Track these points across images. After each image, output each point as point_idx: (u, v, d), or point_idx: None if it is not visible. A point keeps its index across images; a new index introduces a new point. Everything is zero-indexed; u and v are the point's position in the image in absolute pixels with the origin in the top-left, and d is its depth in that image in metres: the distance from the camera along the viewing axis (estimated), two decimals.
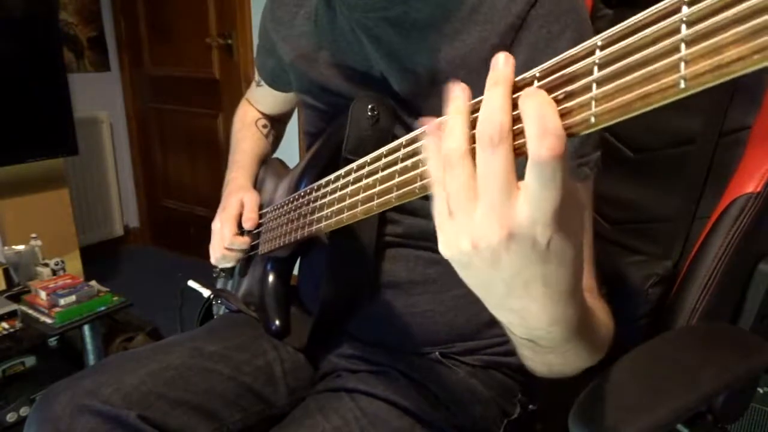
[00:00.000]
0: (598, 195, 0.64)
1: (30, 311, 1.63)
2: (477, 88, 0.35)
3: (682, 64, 0.25)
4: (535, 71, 0.32)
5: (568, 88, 0.30)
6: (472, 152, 0.34)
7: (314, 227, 0.65)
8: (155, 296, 2.06)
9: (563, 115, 0.30)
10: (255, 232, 0.88)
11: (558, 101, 0.30)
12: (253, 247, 0.88)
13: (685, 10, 0.24)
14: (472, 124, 0.35)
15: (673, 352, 0.68)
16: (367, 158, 0.49)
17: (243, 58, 2.41)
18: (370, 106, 0.67)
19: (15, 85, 1.89)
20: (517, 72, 0.33)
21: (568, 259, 0.34)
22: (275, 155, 1.04)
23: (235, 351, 0.78)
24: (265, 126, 1.02)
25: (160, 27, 2.76)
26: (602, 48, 0.28)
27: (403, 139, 0.43)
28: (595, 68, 0.29)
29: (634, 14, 0.27)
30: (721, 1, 0.23)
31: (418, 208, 0.69)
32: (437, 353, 0.73)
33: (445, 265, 0.37)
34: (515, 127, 0.32)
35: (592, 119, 0.29)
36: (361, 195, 0.49)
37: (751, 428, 1.29)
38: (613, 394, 0.59)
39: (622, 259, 0.85)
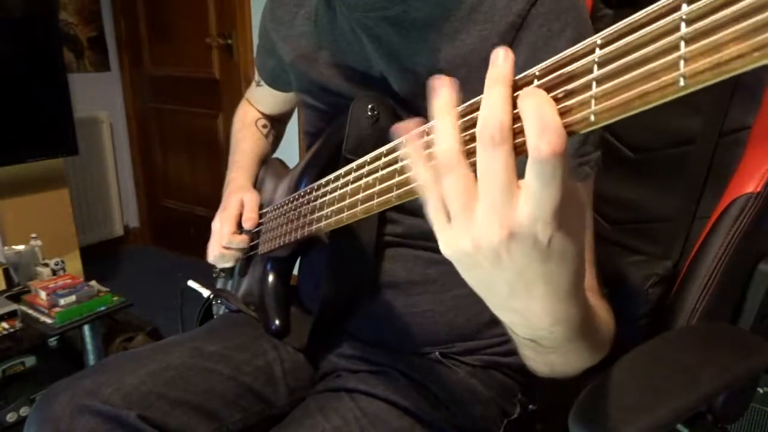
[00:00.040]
0: (598, 195, 0.64)
1: (30, 311, 1.63)
2: (477, 88, 0.35)
3: (682, 62, 0.25)
4: (535, 70, 0.32)
5: (568, 87, 0.30)
6: (465, 153, 0.34)
7: (314, 227, 0.65)
8: (155, 296, 2.06)
9: (563, 113, 0.30)
10: (254, 231, 0.88)
11: (558, 100, 0.30)
12: (252, 247, 0.88)
13: (684, 8, 0.24)
14: (466, 123, 0.35)
15: (673, 352, 0.68)
16: (367, 157, 0.49)
17: (243, 58, 2.41)
18: (370, 106, 0.67)
19: (15, 85, 1.89)
20: (518, 71, 0.33)
21: (569, 258, 0.34)
22: (275, 155, 1.04)
23: (235, 351, 0.78)
24: (265, 126, 1.02)
25: (160, 27, 2.76)
26: (602, 46, 0.28)
27: (403, 138, 0.43)
28: (595, 66, 0.29)
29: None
30: None
31: (418, 207, 0.68)
32: (437, 353, 0.73)
33: (445, 264, 0.37)
34: (515, 126, 0.32)
35: (592, 117, 0.29)
36: (361, 194, 0.49)
37: (751, 428, 1.29)
38: (613, 394, 0.59)
39: (622, 259, 0.85)
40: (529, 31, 0.59)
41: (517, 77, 0.33)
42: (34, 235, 1.87)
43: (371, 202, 0.47)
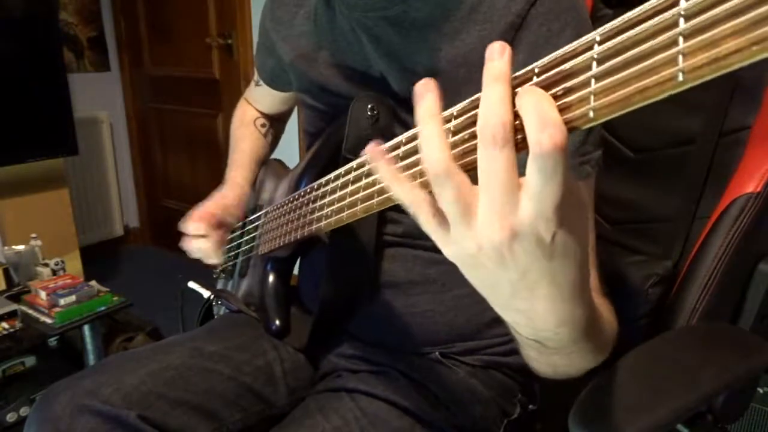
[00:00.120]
0: (598, 195, 0.64)
1: (30, 311, 1.63)
2: (477, 88, 0.35)
3: (680, 58, 0.25)
4: (534, 67, 0.32)
5: (567, 84, 0.30)
6: (461, 153, 0.34)
7: (314, 226, 0.65)
8: (155, 296, 2.07)
9: (563, 110, 0.30)
10: (254, 233, 0.88)
11: (557, 97, 0.30)
12: (252, 248, 0.88)
13: (683, 3, 0.25)
14: (463, 123, 0.35)
15: (673, 352, 0.68)
16: (367, 156, 0.49)
17: (243, 58, 2.41)
18: (369, 106, 0.67)
19: (15, 85, 1.89)
20: (518, 71, 0.33)
21: (573, 255, 0.33)
22: (275, 155, 1.05)
23: (235, 351, 0.78)
24: (263, 125, 1.02)
25: (160, 27, 2.76)
26: (600, 43, 0.28)
27: (402, 137, 0.43)
28: (594, 63, 0.29)
29: None
30: None
31: None
32: (437, 353, 0.73)
33: (445, 264, 0.37)
34: (515, 123, 0.32)
35: (591, 114, 0.29)
36: (361, 194, 0.49)
37: (751, 428, 1.29)
38: (613, 394, 0.59)
39: (622, 259, 0.85)
40: (528, 31, 0.59)
41: (516, 75, 0.33)
42: (34, 235, 1.87)
43: (371, 201, 0.47)
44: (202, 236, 0.84)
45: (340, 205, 0.55)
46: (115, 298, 1.71)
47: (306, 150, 0.82)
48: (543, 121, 0.29)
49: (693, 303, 0.75)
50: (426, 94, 0.34)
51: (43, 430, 0.66)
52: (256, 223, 0.88)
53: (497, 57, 0.32)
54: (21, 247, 1.83)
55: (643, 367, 0.64)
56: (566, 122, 0.30)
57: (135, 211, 3.17)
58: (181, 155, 2.90)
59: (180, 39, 2.68)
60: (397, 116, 0.68)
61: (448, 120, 0.36)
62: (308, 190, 0.67)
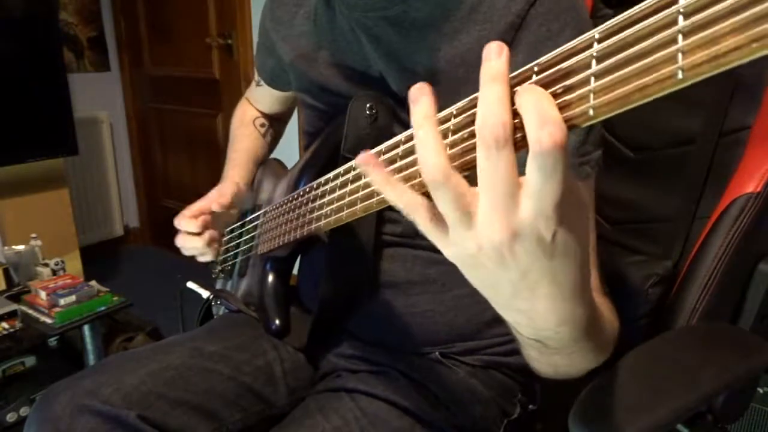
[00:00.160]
0: (598, 195, 0.64)
1: (30, 311, 1.63)
2: (477, 88, 0.35)
3: (680, 55, 0.25)
4: (533, 66, 0.32)
5: (567, 82, 0.30)
6: (460, 152, 0.34)
7: (313, 226, 0.65)
8: (155, 296, 2.07)
9: (562, 108, 0.30)
10: (253, 233, 0.88)
11: (557, 95, 0.30)
12: (251, 248, 0.88)
13: (681, 1, 0.25)
14: (461, 122, 0.35)
15: (673, 352, 0.68)
16: (358, 165, 0.48)
17: (243, 58, 2.41)
18: (368, 105, 0.67)
19: (15, 85, 1.89)
20: (517, 71, 0.33)
21: (573, 255, 0.33)
22: (274, 155, 1.05)
23: (235, 351, 0.78)
24: (263, 125, 1.02)
25: (160, 27, 2.76)
26: (600, 41, 0.28)
27: (401, 136, 0.43)
28: (593, 61, 0.28)
29: None
30: None
31: None
32: (437, 353, 0.73)
33: (445, 264, 0.36)
34: (514, 121, 0.31)
35: (591, 111, 0.29)
36: (361, 193, 0.49)
37: (751, 428, 1.28)
38: (613, 394, 0.59)
39: (622, 259, 0.85)
40: (528, 31, 0.59)
41: (515, 74, 0.33)
42: (34, 235, 1.87)
43: (371, 200, 0.47)
44: (196, 234, 0.84)
45: (339, 204, 0.55)
46: (115, 298, 1.71)
47: (304, 149, 0.82)
48: (543, 119, 0.29)
49: (693, 303, 0.75)
50: (421, 97, 0.34)
51: (43, 430, 0.66)
52: (255, 223, 0.88)
53: (494, 57, 0.31)
54: (21, 247, 1.83)
55: (643, 367, 0.64)
56: (566, 120, 0.30)
57: (135, 211, 3.17)
58: (181, 155, 2.90)
59: (180, 39, 2.68)
60: (396, 115, 0.68)
61: (447, 119, 0.36)
62: (307, 190, 0.67)
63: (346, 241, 0.71)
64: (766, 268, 0.77)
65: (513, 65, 0.31)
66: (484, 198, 0.32)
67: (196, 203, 0.86)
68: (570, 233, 0.32)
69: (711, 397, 0.68)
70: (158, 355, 0.75)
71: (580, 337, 0.41)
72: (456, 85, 0.61)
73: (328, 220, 0.59)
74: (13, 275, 1.81)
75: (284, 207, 0.76)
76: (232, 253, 0.96)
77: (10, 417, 1.52)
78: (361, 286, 0.74)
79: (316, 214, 0.63)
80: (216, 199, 0.85)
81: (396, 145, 0.42)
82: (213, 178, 0.95)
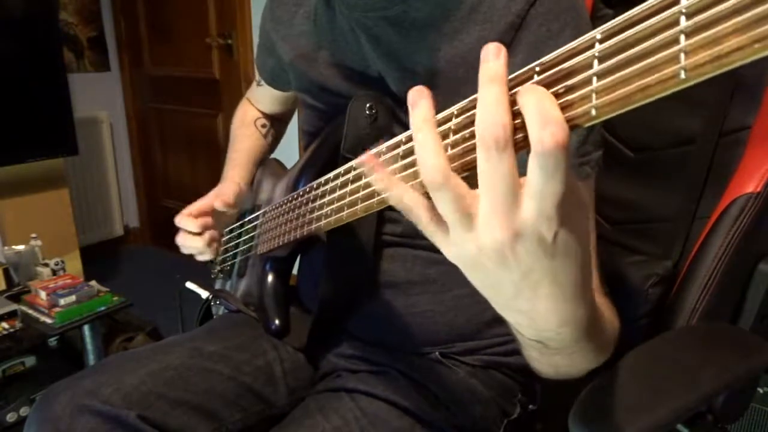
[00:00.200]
0: (598, 195, 0.64)
1: (30, 311, 1.63)
2: (477, 87, 0.35)
3: (682, 55, 0.25)
4: (535, 66, 0.32)
5: (569, 82, 0.30)
6: (460, 153, 0.34)
7: (314, 226, 0.65)
8: (155, 296, 2.07)
9: (564, 108, 0.30)
10: (253, 233, 0.88)
11: (558, 95, 0.30)
12: (250, 248, 0.88)
13: (684, 1, 0.25)
14: (460, 123, 0.35)
15: (673, 352, 0.68)
16: (360, 164, 0.49)
17: (243, 58, 2.41)
18: (368, 105, 0.67)
19: (15, 85, 1.89)
20: (517, 71, 0.33)
21: (574, 255, 0.33)
22: (274, 155, 1.05)
23: (235, 351, 0.78)
24: (264, 125, 1.02)
25: (160, 27, 2.76)
26: (602, 41, 0.28)
27: (402, 136, 0.43)
28: (595, 61, 0.29)
29: None
30: None
31: None
32: (437, 353, 0.73)
33: (445, 264, 0.36)
34: (515, 122, 0.31)
35: (593, 111, 0.29)
36: (362, 193, 0.49)
37: (751, 428, 1.28)
38: (614, 394, 0.59)
39: (622, 259, 0.85)
40: (528, 31, 0.59)
41: (516, 74, 0.33)
42: (34, 235, 1.87)
43: (371, 200, 0.47)
44: (196, 234, 0.84)
45: (340, 204, 0.55)
46: (115, 298, 1.71)
47: (304, 149, 0.82)
48: (544, 119, 0.29)
49: (693, 303, 0.75)
50: (420, 100, 0.34)
51: (43, 430, 0.66)
52: (255, 223, 0.88)
53: (492, 58, 0.31)
54: (21, 247, 1.83)
55: (643, 367, 0.64)
56: (568, 120, 0.30)
57: (135, 211, 3.17)
58: (181, 155, 2.90)
59: (180, 39, 2.68)
60: (395, 116, 0.68)
61: (448, 119, 0.36)
62: (307, 190, 0.67)
63: (345, 240, 0.71)
64: (766, 268, 0.77)
65: (513, 65, 0.31)
66: (484, 199, 0.32)
67: (196, 202, 0.86)
68: (571, 233, 0.32)
69: (711, 397, 0.68)
70: (158, 355, 0.75)
71: (582, 337, 0.41)
72: (456, 85, 0.61)
73: (328, 220, 0.59)
74: (13, 275, 1.81)
75: (284, 207, 0.76)
76: (231, 253, 0.96)
77: (10, 417, 1.52)
78: (361, 286, 0.74)
79: (316, 214, 0.63)
80: (217, 198, 0.85)
81: (396, 146, 0.42)
82: (213, 178, 0.95)
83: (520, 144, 0.31)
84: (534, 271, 0.33)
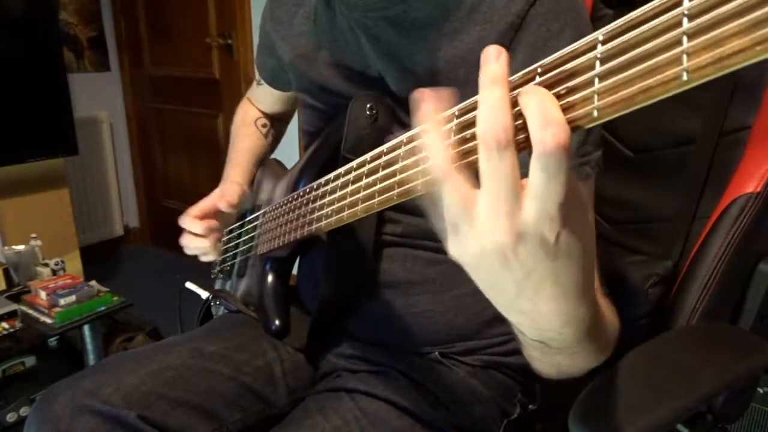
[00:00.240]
0: (598, 195, 0.64)
1: (30, 311, 1.63)
2: (477, 87, 0.35)
3: (684, 57, 0.25)
4: (537, 67, 0.32)
5: (570, 83, 0.30)
6: (462, 153, 0.34)
7: (314, 226, 0.65)
8: (155, 296, 2.06)
9: (566, 109, 0.30)
10: (253, 233, 0.88)
11: (560, 96, 0.30)
12: (250, 248, 0.88)
13: (686, 3, 0.25)
14: (463, 123, 0.35)
15: (673, 352, 0.68)
16: (367, 156, 0.49)
17: (243, 58, 2.41)
18: (368, 105, 0.67)
19: (15, 85, 1.89)
20: (518, 71, 0.33)
21: (576, 255, 0.33)
22: (275, 154, 1.05)
23: (235, 351, 0.78)
24: (264, 125, 1.02)
25: (160, 27, 2.76)
26: (604, 42, 0.28)
27: (403, 137, 0.43)
28: (597, 63, 0.29)
29: None
30: None
31: (418, 206, 0.68)
32: (437, 353, 0.73)
33: (445, 264, 0.37)
34: (516, 123, 0.32)
35: (595, 113, 0.29)
36: (362, 193, 0.49)
37: (751, 428, 1.28)
38: (614, 394, 0.59)
39: (622, 259, 0.85)
40: (528, 31, 0.59)
41: (518, 75, 0.33)
42: (34, 235, 1.87)
43: (372, 201, 0.47)
44: (201, 235, 0.84)
45: (340, 204, 0.55)
46: (115, 298, 1.71)
47: (304, 149, 0.82)
48: (546, 120, 0.29)
49: (693, 303, 0.75)
50: (424, 101, 0.34)
51: (43, 430, 0.66)
52: (255, 223, 0.88)
53: (493, 60, 0.31)
54: (21, 247, 1.83)
55: (643, 367, 0.64)
56: (569, 121, 0.30)
57: (135, 211, 3.17)
58: (181, 155, 2.90)
59: (180, 39, 2.68)
60: (395, 116, 0.68)
61: (449, 119, 0.36)
62: (307, 190, 0.67)
63: (345, 241, 0.71)
64: (766, 268, 0.77)
65: (513, 65, 0.31)
66: (486, 200, 0.32)
67: (200, 203, 0.86)
68: (572, 234, 0.32)
69: (711, 397, 0.68)
70: (158, 355, 0.75)
71: (583, 337, 0.41)
72: (456, 85, 0.61)
73: (328, 220, 0.59)
74: (13, 275, 1.81)
75: (284, 207, 0.76)
76: (231, 253, 0.96)
77: (10, 417, 1.52)
78: (361, 286, 0.74)
79: (316, 214, 0.63)
80: (222, 199, 0.85)
81: (398, 146, 0.42)
82: (213, 178, 0.95)
83: (521, 145, 0.31)
84: (536, 272, 0.33)
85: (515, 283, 0.34)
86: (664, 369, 0.64)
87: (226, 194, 0.85)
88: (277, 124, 1.05)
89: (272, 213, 0.81)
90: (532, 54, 0.58)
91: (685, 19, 0.25)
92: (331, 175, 0.59)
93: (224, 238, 0.97)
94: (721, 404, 0.71)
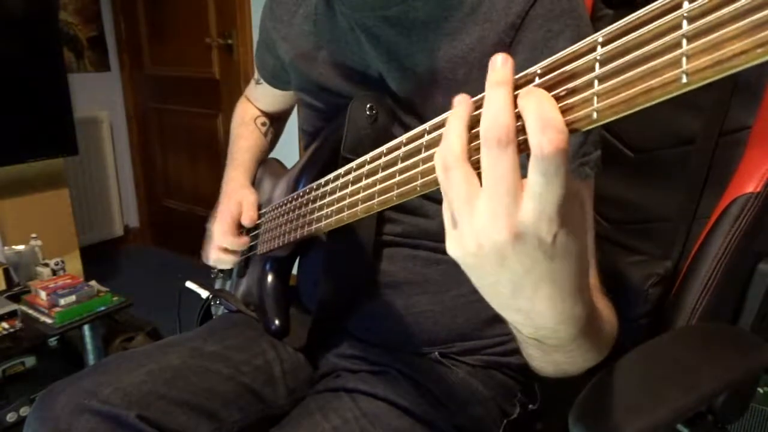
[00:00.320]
0: (598, 195, 0.64)
1: (30, 311, 1.63)
2: (477, 87, 0.35)
3: (684, 59, 0.25)
4: (536, 68, 0.32)
5: (570, 85, 0.30)
6: (469, 152, 0.34)
7: (314, 226, 0.65)
8: (155, 296, 2.06)
9: (565, 111, 0.30)
10: (254, 233, 0.88)
11: (560, 98, 0.30)
12: (251, 248, 0.88)
13: (686, 5, 0.25)
14: (470, 126, 0.35)
15: (673, 352, 0.68)
16: (367, 157, 0.49)
17: (243, 58, 2.42)
18: (368, 105, 0.67)
19: (15, 85, 1.89)
20: (517, 71, 0.33)
21: (573, 256, 0.34)
22: (274, 153, 1.04)
23: (235, 351, 0.78)
24: (264, 124, 1.02)
25: (160, 27, 2.76)
26: (603, 44, 0.28)
27: (403, 138, 0.43)
28: (597, 64, 0.29)
29: None
30: None
31: (417, 206, 0.69)
32: (437, 353, 0.73)
33: (444, 264, 0.37)
34: (516, 124, 0.32)
35: (595, 115, 0.29)
36: (362, 194, 0.49)
37: (751, 428, 1.28)
38: (613, 394, 0.59)
39: (622, 259, 0.85)
40: (528, 31, 0.59)
41: (518, 76, 0.33)
42: (34, 235, 1.87)
43: (372, 202, 0.47)
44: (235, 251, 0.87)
45: (340, 205, 0.55)
46: (115, 298, 1.71)
47: (304, 149, 0.82)
48: (544, 124, 0.29)
49: (693, 303, 0.75)
50: (462, 104, 0.36)
51: (43, 429, 0.66)
52: (255, 223, 0.88)
53: (500, 66, 0.33)
54: (21, 247, 1.83)
55: (643, 367, 0.64)
56: (569, 124, 0.30)
57: (135, 211, 3.17)
58: (181, 155, 2.90)
59: (180, 39, 2.68)
60: (395, 116, 0.68)
61: (472, 110, 0.36)
62: (308, 191, 0.67)
63: (346, 241, 0.71)
64: (766, 268, 0.77)
65: (513, 66, 0.32)
66: (486, 198, 0.32)
67: (226, 217, 0.87)
68: (570, 235, 0.33)
69: (711, 397, 0.68)
70: (158, 355, 0.75)
71: (579, 335, 0.41)
72: (456, 85, 0.61)
73: (328, 220, 0.59)
74: (13, 275, 1.81)
75: (284, 207, 0.76)
76: None
77: (10, 417, 1.52)
78: (361, 286, 0.74)
79: (316, 214, 0.63)
80: (246, 215, 0.87)
81: (397, 147, 0.42)
82: (213, 178, 0.95)
83: (521, 146, 0.32)
84: (533, 272, 0.34)
85: (512, 282, 0.35)
86: (664, 369, 0.64)
87: (248, 209, 0.87)
88: (275, 122, 1.05)
89: (272, 213, 0.81)
90: (532, 54, 0.58)
91: (684, 22, 0.25)
92: (331, 176, 0.59)
93: None
94: (721, 404, 0.71)
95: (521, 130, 0.31)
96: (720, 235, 0.74)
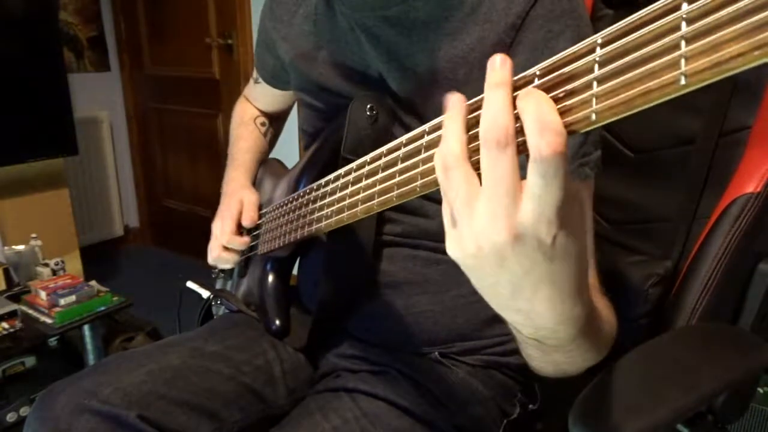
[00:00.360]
0: (598, 195, 0.64)
1: (30, 311, 1.63)
2: (477, 87, 0.35)
3: (683, 61, 0.25)
4: (535, 70, 0.32)
5: (569, 86, 0.30)
6: (469, 153, 0.34)
7: (314, 227, 0.65)
8: (155, 296, 2.06)
9: (564, 112, 0.30)
10: (254, 233, 0.88)
11: (558, 99, 0.30)
12: (252, 248, 0.88)
13: (685, 7, 0.25)
14: (469, 127, 0.35)
15: (673, 352, 0.68)
16: (367, 158, 0.49)
17: (243, 58, 2.42)
18: (368, 106, 0.67)
19: (15, 85, 1.89)
20: (517, 72, 0.33)
21: (573, 257, 0.34)
22: (274, 153, 1.04)
23: (235, 351, 0.78)
24: (263, 124, 1.02)
25: (160, 27, 2.76)
26: (602, 46, 0.29)
27: (403, 138, 0.43)
28: (596, 66, 0.29)
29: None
30: None
31: (417, 207, 0.69)
32: (437, 353, 0.73)
33: (444, 264, 0.37)
34: (515, 125, 0.32)
35: (593, 116, 0.29)
36: (362, 194, 0.49)
37: (751, 428, 1.29)
38: (613, 394, 0.59)
39: (622, 259, 0.85)
40: (528, 31, 0.59)
41: (517, 77, 0.33)
42: (34, 235, 1.87)
43: (372, 202, 0.47)
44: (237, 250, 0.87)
45: (340, 205, 0.55)
46: (115, 298, 1.71)
47: (304, 149, 0.82)
48: (542, 126, 0.29)
49: (693, 303, 0.75)
50: (457, 103, 0.36)
51: (43, 429, 0.66)
52: (256, 223, 0.88)
53: (499, 67, 0.33)
54: (21, 247, 1.83)
55: (643, 367, 0.64)
56: (567, 125, 0.30)
57: (135, 211, 3.17)
58: (181, 155, 2.90)
59: (180, 39, 2.68)
60: (396, 116, 0.68)
61: (470, 111, 0.36)
62: (308, 191, 0.67)
63: (346, 241, 0.71)
64: (766, 268, 0.77)
65: (513, 66, 0.32)
66: (485, 198, 0.32)
67: (226, 217, 0.87)
68: (569, 236, 0.33)
69: (711, 397, 0.68)
70: (158, 355, 0.75)
71: (578, 335, 0.41)
72: (456, 85, 0.61)
73: (328, 221, 0.59)
74: (13, 275, 1.81)
75: (285, 207, 0.76)
76: None
77: (10, 417, 1.52)
78: (361, 286, 0.74)
79: (316, 215, 0.63)
80: (247, 216, 0.87)
81: (397, 147, 0.42)
82: (213, 178, 0.95)
83: (520, 148, 0.32)
84: (533, 273, 0.34)
85: (511, 283, 0.35)
86: (664, 369, 0.64)
87: (249, 209, 0.87)
88: (275, 122, 1.05)
89: (273, 213, 0.81)
90: (532, 55, 0.59)
91: (683, 23, 0.25)
92: (331, 176, 0.59)
93: None
94: (721, 404, 0.71)
95: (520, 131, 0.31)
96: (720, 235, 0.74)
